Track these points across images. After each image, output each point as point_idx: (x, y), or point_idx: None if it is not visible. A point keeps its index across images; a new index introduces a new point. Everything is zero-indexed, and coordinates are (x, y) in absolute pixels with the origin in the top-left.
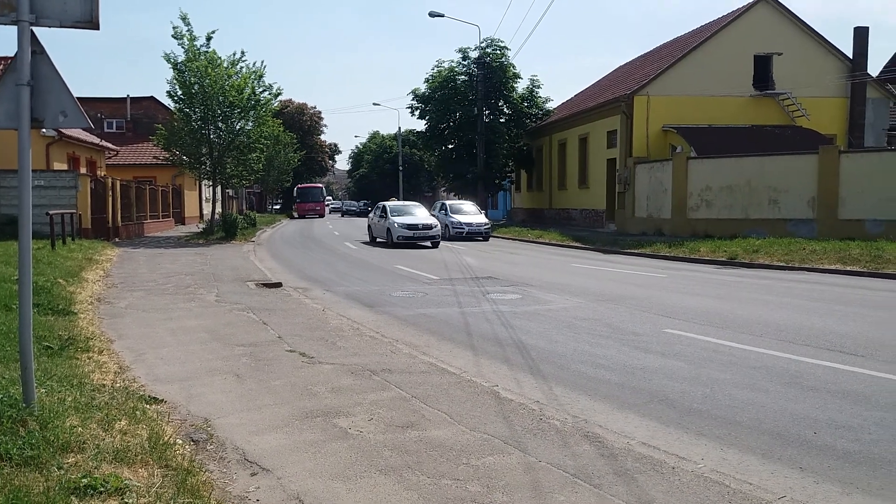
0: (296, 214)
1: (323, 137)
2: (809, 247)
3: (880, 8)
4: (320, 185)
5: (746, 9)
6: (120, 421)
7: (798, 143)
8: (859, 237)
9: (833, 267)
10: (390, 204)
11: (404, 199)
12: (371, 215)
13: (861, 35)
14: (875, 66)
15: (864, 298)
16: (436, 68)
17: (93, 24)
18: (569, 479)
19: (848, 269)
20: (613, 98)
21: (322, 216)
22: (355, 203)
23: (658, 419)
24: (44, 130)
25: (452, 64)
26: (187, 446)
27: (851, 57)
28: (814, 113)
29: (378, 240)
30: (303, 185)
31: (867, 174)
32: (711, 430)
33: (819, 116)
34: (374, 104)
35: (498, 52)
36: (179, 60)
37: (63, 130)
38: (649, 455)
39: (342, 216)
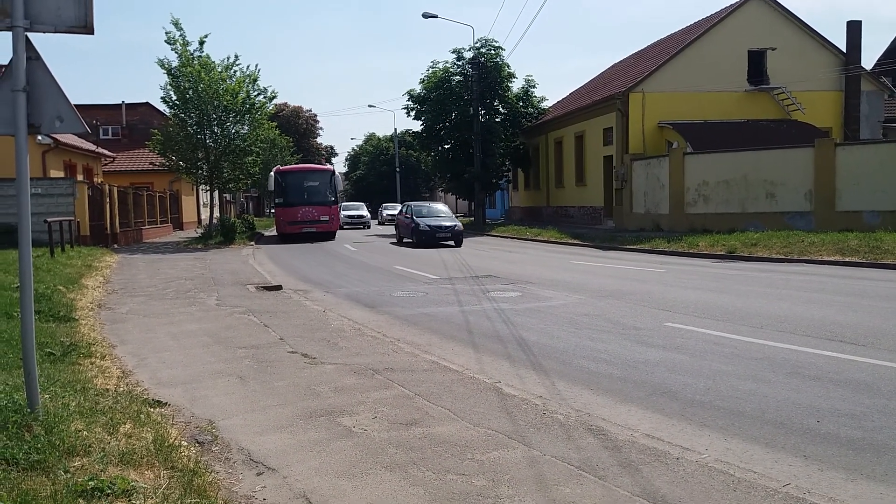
0: (276, 229)
1: (319, 140)
2: (808, 239)
3: (872, 1)
4: (329, 168)
5: (739, 4)
6: (125, 424)
7: (794, 136)
8: (857, 228)
9: (832, 258)
10: None
11: (401, 200)
12: None
13: (854, 29)
14: (869, 59)
15: (864, 289)
16: (430, 69)
17: (87, 28)
18: (574, 471)
19: (847, 260)
20: (609, 95)
21: (332, 235)
22: (442, 211)
23: (661, 411)
24: (39, 138)
25: (447, 64)
26: (192, 448)
27: (845, 50)
28: (809, 107)
29: None
30: (288, 168)
31: (863, 166)
32: (715, 421)
33: (814, 110)
34: (370, 106)
35: (492, 52)
36: (173, 65)
37: (59, 138)
38: (653, 446)
39: (404, 240)
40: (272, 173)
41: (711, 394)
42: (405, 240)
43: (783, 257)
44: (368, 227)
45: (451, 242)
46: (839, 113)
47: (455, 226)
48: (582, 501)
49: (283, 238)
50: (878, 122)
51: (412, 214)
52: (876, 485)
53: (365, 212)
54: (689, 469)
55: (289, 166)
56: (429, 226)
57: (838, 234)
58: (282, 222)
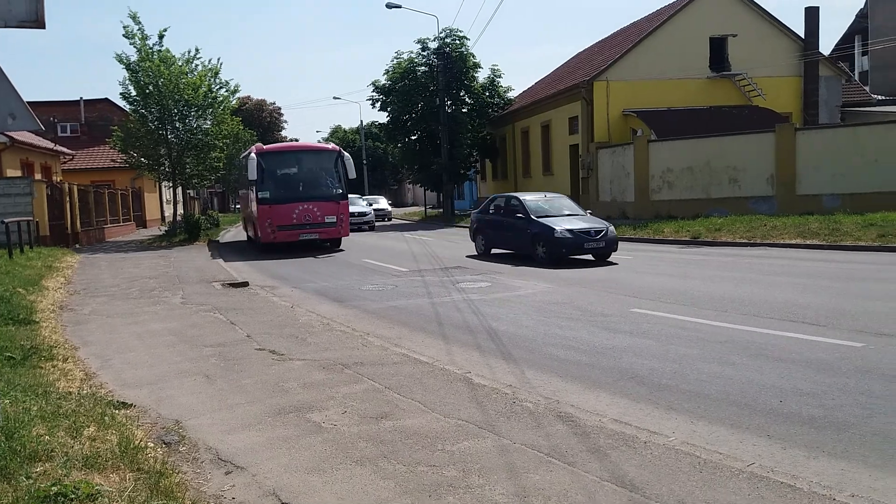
0: (254, 233)
1: (284, 133)
2: (770, 223)
3: None
4: (333, 148)
5: None
6: (88, 427)
7: (755, 122)
8: (817, 212)
9: (793, 241)
10: None
11: (370, 194)
12: None
13: (812, 15)
14: (827, 45)
15: (824, 270)
16: (395, 59)
17: (38, 23)
18: (543, 458)
19: (808, 243)
20: (573, 84)
21: (338, 242)
22: (568, 206)
23: (629, 396)
24: None
25: (412, 55)
26: (159, 449)
27: (803, 36)
28: (769, 92)
29: None
30: (275, 147)
31: (822, 150)
32: (681, 404)
33: (775, 96)
34: (335, 98)
35: (457, 42)
36: (132, 60)
37: (15, 136)
38: (621, 431)
39: (493, 251)
40: (252, 154)
41: (677, 377)
42: (496, 250)
43: (746, 241)
44: (373, 229)
45: (593, 256)
46: (798, 98)
47: (608, 228)
48: (551, 488)
49: (268, 248)
50: (837, 106)
51: (527, 212)
52: (837, 461)
53: (365, 207)
54: (656, 452)
55: (276, 145)
56: (570, 231)
57: (799, 217)
58: (269, 226)
